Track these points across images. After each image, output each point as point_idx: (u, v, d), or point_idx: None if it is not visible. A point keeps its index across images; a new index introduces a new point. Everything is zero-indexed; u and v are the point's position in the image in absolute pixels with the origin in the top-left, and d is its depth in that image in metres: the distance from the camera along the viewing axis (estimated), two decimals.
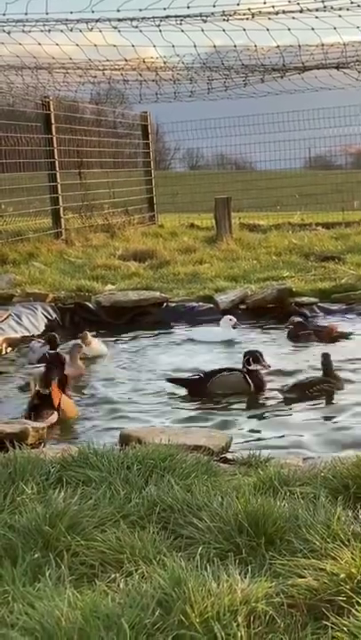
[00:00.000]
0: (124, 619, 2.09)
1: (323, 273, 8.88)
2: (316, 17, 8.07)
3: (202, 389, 5.31)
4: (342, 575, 2.27)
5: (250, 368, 5.33)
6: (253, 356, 5.38)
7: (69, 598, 2.19)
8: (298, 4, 7.69)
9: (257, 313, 7.67)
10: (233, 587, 2.21)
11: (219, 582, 2.23)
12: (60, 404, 4.45)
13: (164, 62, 11.03)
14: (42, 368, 4.97)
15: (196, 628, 2.05)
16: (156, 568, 2.38)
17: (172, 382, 5.52)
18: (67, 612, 2.12)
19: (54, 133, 12.79)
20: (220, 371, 5.43)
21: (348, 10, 7.81)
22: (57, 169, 12.83)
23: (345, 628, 2.07)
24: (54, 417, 4.38)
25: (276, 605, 2.19)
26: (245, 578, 2.29)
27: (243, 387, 5.30)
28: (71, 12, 8.25)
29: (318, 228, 14.10)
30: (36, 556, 2.53)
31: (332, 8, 7.74)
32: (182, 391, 5.38)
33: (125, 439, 3.86)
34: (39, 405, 4.43)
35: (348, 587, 2.22)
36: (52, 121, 12.77)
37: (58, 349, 5.69)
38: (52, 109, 12.80)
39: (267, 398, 5.21)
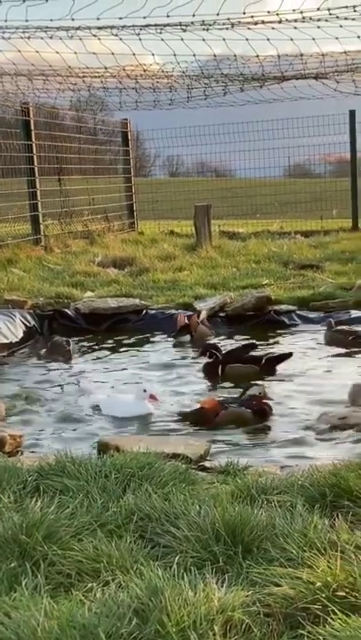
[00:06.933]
0: (100, 628, 2.09)
1: (301, 281, 8.92)
2: (295, 27, 8.16)
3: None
4: (318, 584, 2.28)
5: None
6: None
7: (46, 608, 2.19)
8: (277, 14, 7.77)
9: (236, 320, 7.69)
10: (210, 596, 2.21)
11: (195, 591, 2.23)
12: (195, 330, 7.19)
13: (144, 70, 11.07)
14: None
15: (172, 637, 2.06)
16: (133, 577, 2.38)
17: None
18: (43, 622, 2.12)
19: (34, 140, 12.76)
20: (239, 351, 6.08)
21: (326, 21, 7.91)
22: (36, 175, 12.80)
23: (321, 637, 2.08)
24: (188, 337, 7.23)
25: (252, 614, 2.20)
26: (222, 587, 2.30)
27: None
28: (51, 20, 8.25)
29: (297, 236, 14.17)
30: (13, 565, 2.51)
31: (310, 19, 7.83)
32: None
33: (103, 447, 3.85)
34: (181, 330, 7.22)
35: (323, 595, 2.23)
36: (32, 127, 12.75)
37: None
38: (31, 116, 12.78)
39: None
